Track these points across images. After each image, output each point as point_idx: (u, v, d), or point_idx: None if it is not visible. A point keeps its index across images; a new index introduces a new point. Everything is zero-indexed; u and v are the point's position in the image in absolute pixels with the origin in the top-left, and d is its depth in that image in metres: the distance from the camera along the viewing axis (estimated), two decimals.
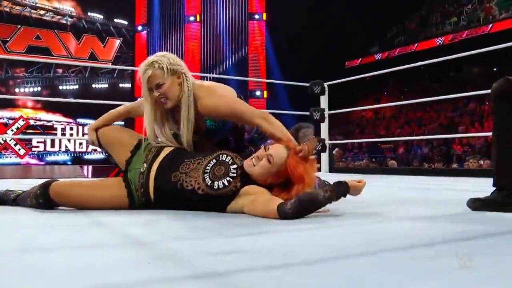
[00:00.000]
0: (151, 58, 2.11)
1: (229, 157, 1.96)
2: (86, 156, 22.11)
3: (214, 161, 1.94)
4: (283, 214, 1.68)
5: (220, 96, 2.14)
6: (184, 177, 1.91)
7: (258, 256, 1.10)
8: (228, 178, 1.89)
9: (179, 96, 2.11)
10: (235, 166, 1.93)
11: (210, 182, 1.88)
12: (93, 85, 23.82)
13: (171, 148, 2.09)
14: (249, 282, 0.86)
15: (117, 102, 5.99)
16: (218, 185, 1.88)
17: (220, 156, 1.96)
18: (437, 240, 1.31)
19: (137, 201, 1.99)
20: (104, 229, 1.54)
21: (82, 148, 22.04)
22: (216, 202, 1.89)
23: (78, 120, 21.97)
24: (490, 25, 16.62)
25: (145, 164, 2.03)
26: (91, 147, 22.17)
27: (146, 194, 1.98)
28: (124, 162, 2.10)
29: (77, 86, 23.40)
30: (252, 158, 1.93)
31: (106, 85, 23.96)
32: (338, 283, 0.84)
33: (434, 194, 3.05)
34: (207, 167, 1.92)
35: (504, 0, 16.18)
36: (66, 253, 1.15)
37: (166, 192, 1.95)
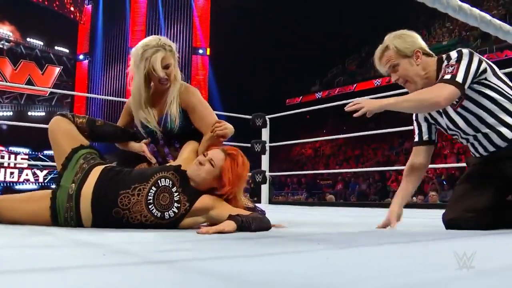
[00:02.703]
0: (157, 38, 2.27)
1: (167, 180, 1.94)
2: (18, 186, 21.18)
3: (154, 188, 1.90)
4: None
5: (199, 96, 2.36)
6: (127, 213, 1.85)
7: (202, 252, 1.16)
8: (176, 205, 1.89)
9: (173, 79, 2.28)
10: (175, 187, 1.93)
11: (159, 214, 1.87)
12: (29, 113, 23.09)
13: (101, 168, 1.98)
14: (198, 266, 0.92)
15: (46, 126, 5.83)
16: (168, 215, 1.88)
17: (159, 181, 1.92)
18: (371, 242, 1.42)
19: (61, 222, 1.89)
20: (50, 235, 1.54)
21: (13, 177, 21.12)
22: (167, 225, 1.90)
23: (10, 148, 21.13)
24: None
25: (73, 185, 1.92)
26: (23, 177, 21.34)
27: (78, 220, 1.89)
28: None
29: (11, 113, 22.60)
30: (194, 165, 1.98)
31: (43, 113, 23.29)
32: (276, 270, 0.91)
33: (369, 219, 3.20)
34: (149, 197, 1.88)
35: None
36: (16, 251, 1.17)
37: (108, 225, 1.88)
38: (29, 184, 21.46)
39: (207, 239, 1.52)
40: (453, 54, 2.05)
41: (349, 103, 2.01)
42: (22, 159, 21.06)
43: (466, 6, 1.02)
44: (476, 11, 1.04)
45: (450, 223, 2.04)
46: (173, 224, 1.91)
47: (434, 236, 1.77)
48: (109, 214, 1.86)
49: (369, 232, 2.00)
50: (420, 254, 1.25)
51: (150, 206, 1.87)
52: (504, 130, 2.01)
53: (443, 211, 2.18)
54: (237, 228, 1.74)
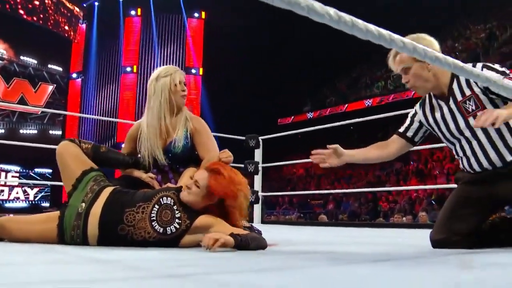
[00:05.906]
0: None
1: (169, 198, 2.06)
2: (7, 204, 20.97)
3: (157, 206, 2.02)
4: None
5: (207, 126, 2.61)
6: (132, 230, 1.97)
7: (208, 267, 1.25)
8: (177, 221, 2.01)
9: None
10: (176, 206, 2.05)
11: (161, 229, 1.98)
12: (21, 131, 22.96)
13: (111, 189, 2.12)
14: (212, 279, 1.01)
15: (39, 145, 5.71)
16: (170, 230, 1.99)
17: (161, 199, 2.05)
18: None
19: (68, 240, 2.02)
20: (61, 253, 1.62)
21: (3, 195, 20.91)
22: (169, 242, 2.00)
23: (0, 165, 20.96)
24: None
25: (83, 204, 2.05)
26: (13, 195, 21.15)
27: (84, 238, 2.01)
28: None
29: (3, 131, 22.47)
30: (184, 190, 2.07)
31: (35, 131, 23.16)
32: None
33: (358, 239, 3.29)
34: (152, 215, 2.00)
35: None
36: (29, 268, 1.24)
37: (113, 243, 1.99)
38: (19, 202, 21.27)
39: (208, 256, 1.60)
40: (479, 66, 2.05)
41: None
42: (13, 176, 20.91)
43: (441, 56, 1.12)
44: (449, 59, 1.14)
45: (437, 244, 2.12)
46: (174, 241, 2.01)
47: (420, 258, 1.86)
48: (115, 231, 1.98)
49: (358, 252, 2.08)
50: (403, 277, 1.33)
51: (153, 223, 1.99)
52: (504, 150, 2.05)
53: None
54: (235, 246, 1.82)
